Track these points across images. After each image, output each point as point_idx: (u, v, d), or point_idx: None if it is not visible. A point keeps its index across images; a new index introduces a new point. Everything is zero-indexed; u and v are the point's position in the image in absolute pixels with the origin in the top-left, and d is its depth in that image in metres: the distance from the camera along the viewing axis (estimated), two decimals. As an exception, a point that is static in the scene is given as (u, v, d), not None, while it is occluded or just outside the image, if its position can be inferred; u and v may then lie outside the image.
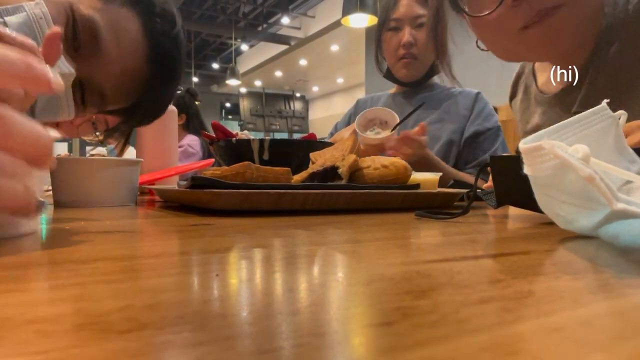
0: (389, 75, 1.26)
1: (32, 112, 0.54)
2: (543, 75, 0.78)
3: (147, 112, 0.71)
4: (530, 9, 0.57)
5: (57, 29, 0.41)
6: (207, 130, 1.59)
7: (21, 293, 0.17)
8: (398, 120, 0.98)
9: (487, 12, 0.58)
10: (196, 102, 2.27)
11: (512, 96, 0.90)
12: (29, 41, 0.37)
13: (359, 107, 1.36)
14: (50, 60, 0.40)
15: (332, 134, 1.37)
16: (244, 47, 9.58)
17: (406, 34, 1.14)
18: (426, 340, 0.12)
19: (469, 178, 1.03)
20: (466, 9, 0.62)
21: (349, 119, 1.36)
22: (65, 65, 0.52)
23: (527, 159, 0.27)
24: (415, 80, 1.20)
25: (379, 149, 0.96)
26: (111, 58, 0.60)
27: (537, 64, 0.81)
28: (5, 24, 0.50)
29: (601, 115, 0.34)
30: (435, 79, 1.25)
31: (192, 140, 2.07)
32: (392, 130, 0.97)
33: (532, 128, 0.78)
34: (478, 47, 0.69)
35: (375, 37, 1.24)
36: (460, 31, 0.70)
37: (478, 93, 1.19)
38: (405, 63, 1.17)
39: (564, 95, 0.70)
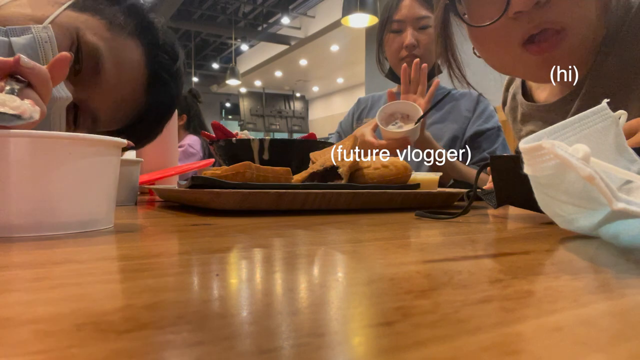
0: (391, 75, 1.25)
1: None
2: (544, 92, 0.77)
3: (138, 138, 0.71)
4: (530, 20, 0.56)
5: (68, 54, 0.42)
6: (207, 130, 1.59)
7: (21, 293, 0.17)
8: (421, 113, 0.94)
9: (488, 23, 0.58)
10: (198, 103, 2.27)
11: (504, 102, 0.90)
12: (44, 71, 0.39)
13: (360, 105, 1.36)
14: (55, 81, 0.42)
15: (338, 133, 1.37)
16: (244, 47, 9.57)
17: (408, 36, 1.13)
18: (426, 340, 0.12)
19: (469, 170, 1.02)
20: (466, 19, 0.61)
21: (352, 118, 1.36)
22: (63, 90, 0.53)
23: (527, 159, 0.27)
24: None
25: (402, 142, 0.92)
26: (109, 86, 0.60)
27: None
28: (10, 44, 0.50)
29: (601, 115, 0.34)
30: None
31: (193, 141, 2.07)
32: (415, 124, 0.93)
33: (526, 134, 0.78)
34: (475, 53, 0.69)
35: (377, 38, 1.24)
36: (460, 31, 0.69)
37: (479, 95, 1.19)
38: (408, 62, 1.17)
39: (562, 104, 0.70)
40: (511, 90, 0.86)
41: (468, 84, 0.74)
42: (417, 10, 1.13)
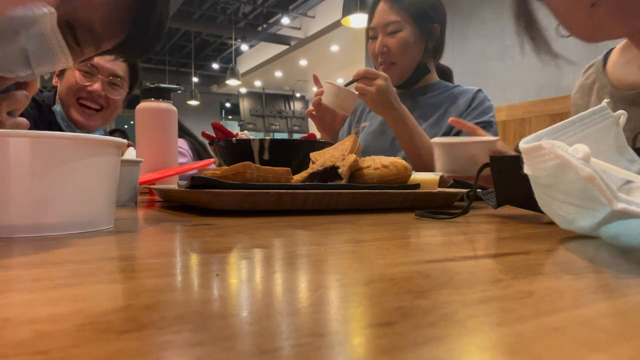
0: None
1: (27, 64, 0.53)
2: (634, 71, 0.73)
3: (146, 43, 0.68)
4: None
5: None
6: (191, 133, 1.60)
7: (21, 293, 0.17)
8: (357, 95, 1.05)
9: None
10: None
11: (580, 87, 0.85)
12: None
13: (356, 108, 1.36)
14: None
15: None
16: (244, 47, 9.57)
17: (378, 42, 1.16)
18: (426, 340, 0.12)
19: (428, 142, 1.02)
20: None
21: (348, 123, 1.36)
22: (45, 7, 0.51)
23: (527, 159, 0.27)
24: (399, 84, 1.20)
25: (319, 94, 1.06)
26: None
27: (616, 63, 0.77)
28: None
29: (601, 115, 0.34)
30: (435, 77, 1.24)
31: (180, 142, 2.07)
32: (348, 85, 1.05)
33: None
34: (558, 33, 0.65)
35: (365, 46, 1.27)
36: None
37: (479, 90, 1.18)
38: (383, 69, 1.18)
39: None
40: (589, 75, 0.82)
41: (555, 55, 0.69)
42: (386, 16, 1.16)
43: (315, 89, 1.18)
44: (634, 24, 0.57)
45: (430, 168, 0.92)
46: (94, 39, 0.61)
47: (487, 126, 1.13)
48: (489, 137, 0.77)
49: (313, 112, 1.14)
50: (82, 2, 0.57)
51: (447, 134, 1.13)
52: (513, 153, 0.75)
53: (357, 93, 1.04)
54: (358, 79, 1.00)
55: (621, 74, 0.76)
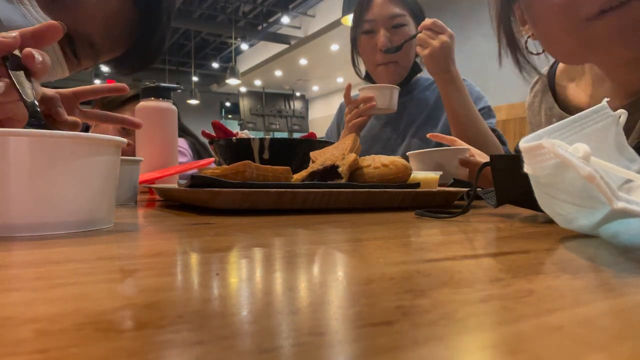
0: (369, 79, 1.22)
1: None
2: (583, 93, 0.68)
3: (145, 56, 0.67)
4: None
5: (59, 26, 0.41)
6: (190, 132, 1.60)
7: (21, 292, 0.17)
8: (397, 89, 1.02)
9: None
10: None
11: (529, 105, 0.81)
12: (48, 62, 0.40)
13: (342, 110, 1.34)
14: (44, 43, 0.41)
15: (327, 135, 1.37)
16: (244, 46, 9.57)
17: (381, 38, 1.08)
18: (426, 339, 0.12)
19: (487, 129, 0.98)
20: None
21: (337, 125, 1.35)
22: (42, 18, 0.50)
23: (527, 158, 0.27)
24: (398, 82, 1.16)
25: (369, 100, 1.00)
26: (91, 3, 0.57)
27: (561, 80, 0.72)
28: None
29: (601, 114, 0.34)
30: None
31: (180, 142, 2.07)
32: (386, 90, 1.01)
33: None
34: (526, 48, 0.61)
35: (351, 39, 1.18)
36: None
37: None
38: (384, 69, 1.12)
39: (634, 108, 0.57)
40: (536, 92, 0.78)
41: (535, 69, 0.66)
42: (389, 8, 1.08)
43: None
44: (627, 48, 0.48)
45: (472, 141, 0.90)
46: (93, 52, 0.61)
47: (487, 112, 1.09)
48: (458, 147, 0.79)
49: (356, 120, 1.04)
50: (84, 16, 0.57)
51: (445, 127, 1.13)
52: (483, 160, 0.76)
53: (398, 87, 1.02)
54: (420, 31, 0.95)
55: (565, 95, 0.72)
